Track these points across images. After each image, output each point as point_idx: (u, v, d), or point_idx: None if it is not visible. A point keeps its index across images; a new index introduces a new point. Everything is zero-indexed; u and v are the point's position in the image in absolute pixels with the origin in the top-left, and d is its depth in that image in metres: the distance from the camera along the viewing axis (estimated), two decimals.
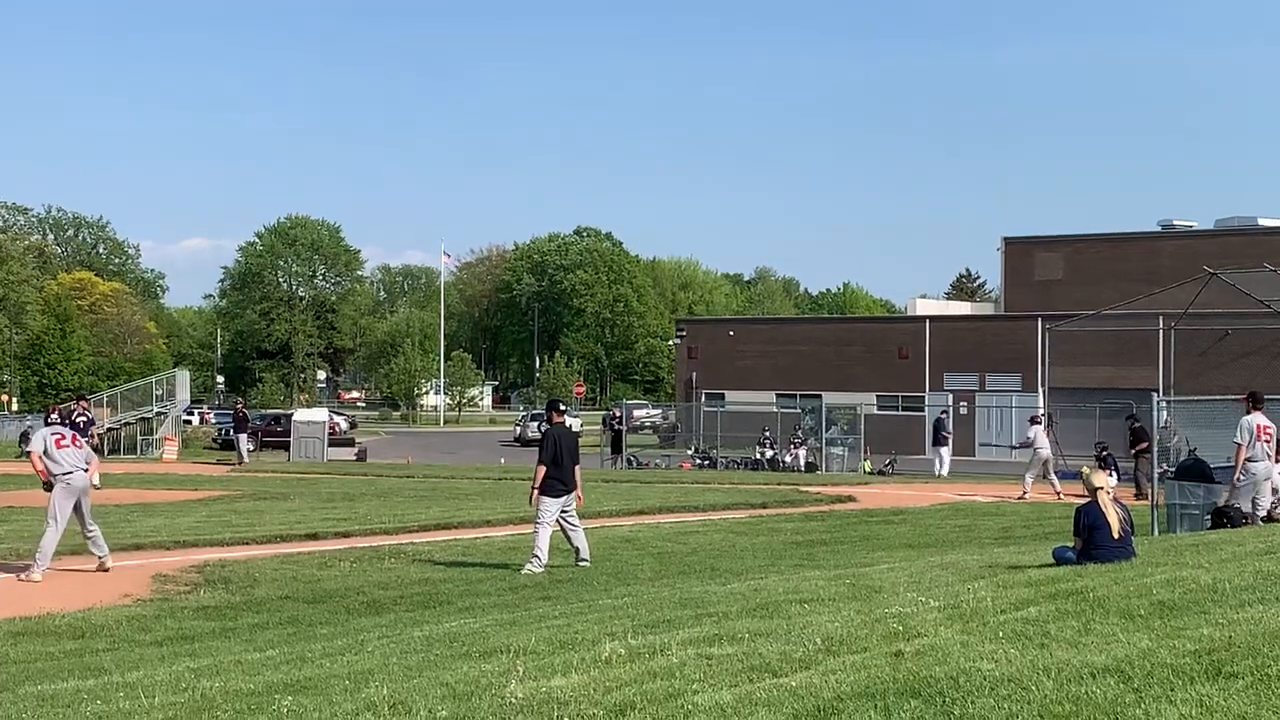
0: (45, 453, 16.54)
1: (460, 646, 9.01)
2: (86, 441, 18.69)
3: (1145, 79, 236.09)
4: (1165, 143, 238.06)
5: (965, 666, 6.25)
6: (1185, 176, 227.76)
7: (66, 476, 16.46)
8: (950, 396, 57.29)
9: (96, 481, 18.24)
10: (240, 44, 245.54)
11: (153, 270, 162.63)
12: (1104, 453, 33.96)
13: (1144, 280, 51.91)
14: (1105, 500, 11.70)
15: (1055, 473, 31.63)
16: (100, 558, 16.86)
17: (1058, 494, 30.10)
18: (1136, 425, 31.91)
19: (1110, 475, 20.84)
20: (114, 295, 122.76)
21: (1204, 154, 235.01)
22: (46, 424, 17.65)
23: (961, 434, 45.86)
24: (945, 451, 41.06)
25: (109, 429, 53.65)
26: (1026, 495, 30.28)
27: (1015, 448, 32.13)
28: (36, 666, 10.86)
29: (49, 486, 16.57)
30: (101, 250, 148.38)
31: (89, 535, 16.81)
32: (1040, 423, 32.86)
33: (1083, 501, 12.06)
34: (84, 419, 26.26)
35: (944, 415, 44.26)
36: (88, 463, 16.95)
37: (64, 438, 16.85)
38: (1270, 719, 5.12)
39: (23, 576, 16.18)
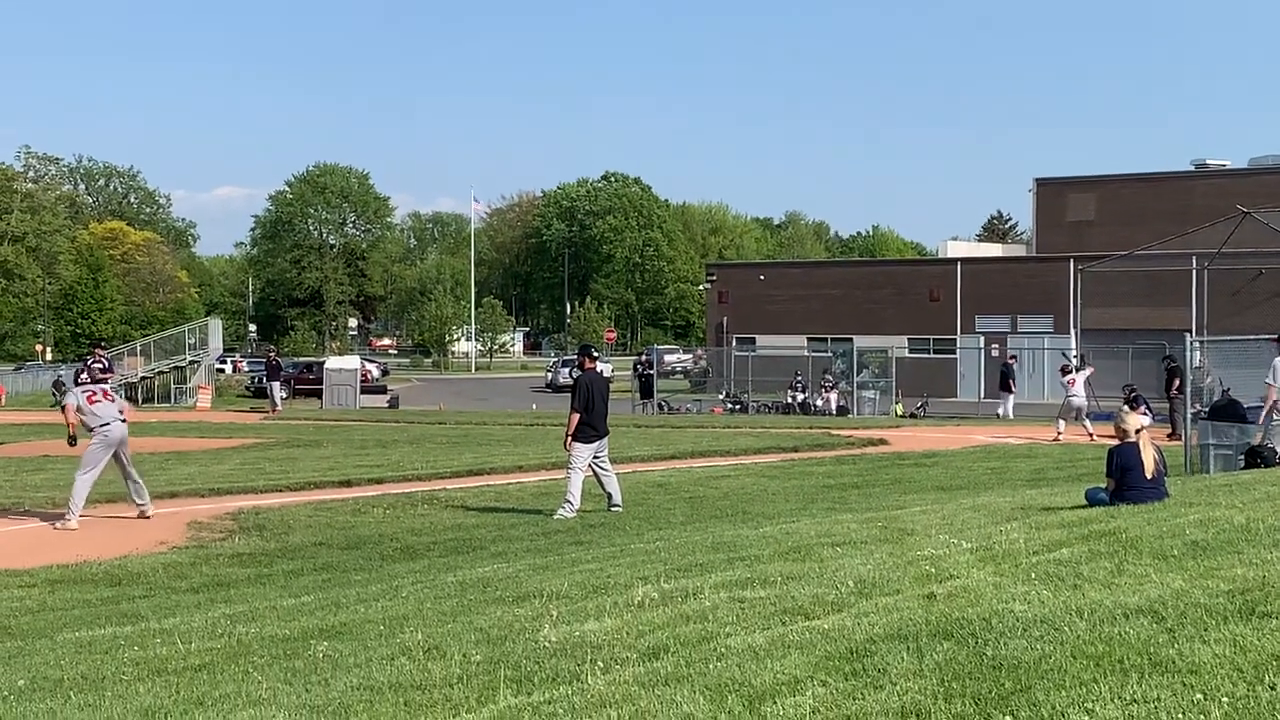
0: (79, 409, 16.72)
1: (494, 591, 9.05)
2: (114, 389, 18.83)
3: (1178, 15, 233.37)
4: (1198, 81, 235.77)
5: (998, 608, 6.24)
6: (1219, 115, 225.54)
7: (104, 428, 16.65)
8: (982, 339, 57.17)
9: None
10: None
11: (184, 219, 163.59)
12: (1132, 394, 33.80)
13: (1177, 220, 51.47)
14: (1141, 441, 11.64)
15: (1088, 416, 31.56)
16: (141, 505, 17.02)
17: (1090, 436, 30.01)
18: (1174, 365, 31.74)
19: (1144, 415, 20.74)
20: (146, 245, 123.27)
21: (1238, 92, 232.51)
22: (77, 384, 17.78)
23: (994, 376, 45.91)
24: (1010, 397, 41.70)
25: (142, 378, 53.95)
26: (1060, 437, 30.24)
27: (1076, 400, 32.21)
28: (74, 613, 10.97)
29: (74, 441, 16.77)
30: (133, 200, 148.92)
31: (133, 484, 16.98)
32: (1070, 371, 32.76)
33: (1115, 443, 12.01)
34: (99, 365, 26.38)
35: (1011, 362, 44.44)
36: (122, 412, 17.10)
37: (95, 394, 17.00)
38: None
39: (58, 525, 16.36)
